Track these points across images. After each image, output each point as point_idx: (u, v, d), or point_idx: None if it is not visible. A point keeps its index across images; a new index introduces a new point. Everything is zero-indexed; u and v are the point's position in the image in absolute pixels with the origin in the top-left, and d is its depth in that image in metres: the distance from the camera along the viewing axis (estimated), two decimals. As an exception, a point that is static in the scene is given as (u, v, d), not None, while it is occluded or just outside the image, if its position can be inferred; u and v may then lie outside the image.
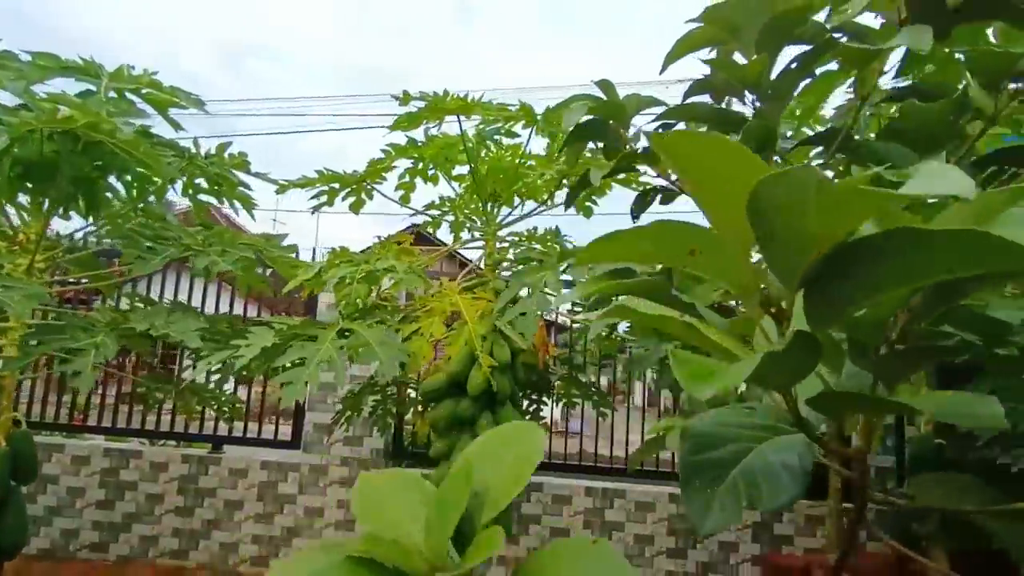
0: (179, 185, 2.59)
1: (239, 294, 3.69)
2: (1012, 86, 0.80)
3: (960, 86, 0.89)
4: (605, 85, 1.22)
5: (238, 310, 4.23)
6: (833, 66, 1.39)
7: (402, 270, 1.88)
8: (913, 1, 0.88)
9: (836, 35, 1.03)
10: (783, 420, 0.63)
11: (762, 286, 0.45)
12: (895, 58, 1.18)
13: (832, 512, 0.99)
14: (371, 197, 2.59)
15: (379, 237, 2.43)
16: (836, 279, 0.39)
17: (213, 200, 2.62)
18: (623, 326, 2.81)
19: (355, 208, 2.59)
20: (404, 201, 2.66)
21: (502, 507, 0.49)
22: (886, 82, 1.29)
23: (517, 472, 0.51)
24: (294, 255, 2.74)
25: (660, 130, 1.24)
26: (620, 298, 0.56)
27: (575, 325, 3.85)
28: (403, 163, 2.58)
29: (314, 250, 4.61)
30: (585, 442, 4.09)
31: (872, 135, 1.37)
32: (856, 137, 1.16)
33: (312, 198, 2.47)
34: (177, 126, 2.37)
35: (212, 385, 2.86)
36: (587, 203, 2.70)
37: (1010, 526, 0.71)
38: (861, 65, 0.94)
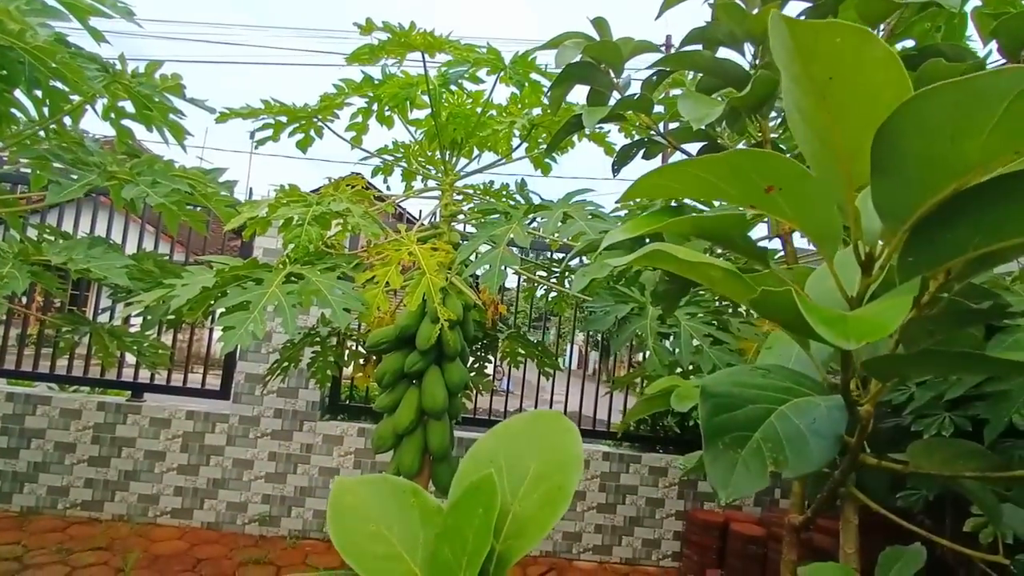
0: (99, 107, 2.32)
1: (168, 232, 3.41)
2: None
3: (972, 51, 0.88)
4: (600, 24, 1.15)
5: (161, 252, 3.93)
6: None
7: (358, 214, 1.77)
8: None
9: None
10: (800, 383, 0.61)
11: (853, 232, 0.41)
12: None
13: (798, 483, 1.01)
14: (321, 136, 2.42)
15: (329, 178, 2.28)
16: (957, 224, 0.35)
17: (139, 126, 2.36)
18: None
19: (303, 146, 2.41)
20: (356, 142, 2.50)
21: (536, 542, 0.38)
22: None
23: (549, 492, 0.39)
24: (230, 193, 2.54)
25: (654, 78, 1.18)
26: (657, 244, 0.50)
27: (524, 283, 3.82)
28: (356, 101, 2.42)
29: (250, 191, 4.32)
30: (515, 401, 4.11)
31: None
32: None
33: (257, 131, 2.27)
34: (100, 37, 2.10)
35: (136, 328, 2.64)
36: (547, 160, 2.64)
37: (983, 487, 0.73)
38: (878, 19, 0.91)
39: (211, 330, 4.27)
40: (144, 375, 3.73)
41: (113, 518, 3.49)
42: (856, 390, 0.67)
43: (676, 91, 1.78)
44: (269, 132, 2.32)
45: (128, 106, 2.30)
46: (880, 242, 0.41)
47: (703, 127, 1.02)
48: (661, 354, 1.70)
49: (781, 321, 0.43)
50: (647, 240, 0.68)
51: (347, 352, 2.90)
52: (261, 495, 3.57)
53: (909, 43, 1.35)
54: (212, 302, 1.95)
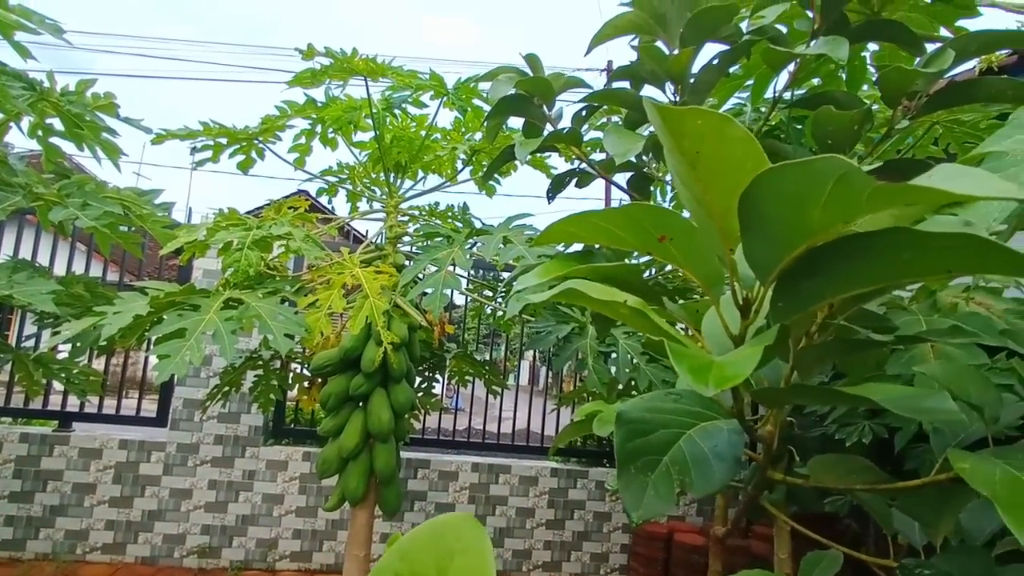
0: (25, 124, 2.23)
1: (99, 254, 3.26)
2: (906, 103, 0.89)
3: (860, 98, 0.97)
4: (532, 60, 1.20)
5: (94, 275, 3.76)
6: (735, 69, 1.48)
7: (300, 237, 1.76)
8: (826, 15, 0.95)
9: (752, 37, 1.09)
10: (708, 407, 0.67)
11: (732, 279, 0.46)
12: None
13: (721, 497, 1.07)
14: (262, 157, 2.39)
15: (270, 200, 2.25)
16: (814, 275, 0.41)
17: (68, 144, 2.28)
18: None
19: (243, 167, 2.38)
20: (299, 164, 2.48)
21: None
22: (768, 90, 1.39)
23: None
24: (167, 214, 2.47)
25: (583, 112, 1.24)
26: (572, 282, 0.55)
27: (471, 301, 3.85)
28: (299, 123, 2.41)
29: (188, 210, 4.20)
30: (467, 418, 4.14)
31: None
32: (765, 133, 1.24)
33: (195, 151, 2.23)
34: (26, 53, 2.04)
35: (64, 355, 2.53)
36: (491, 182, 2.69)
37: (877, 499, 0.80)
38: (777, 67, 0.99)
39: (147, 353, 4.10)
40: (73, 402, 3.55)
41: (36, 557, 3.28)
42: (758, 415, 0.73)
43: (616, 118, 1.87)
44: (208, 153, 2.28)
45: (57, 123, 2.23)
46: (755, 288, 0.46)
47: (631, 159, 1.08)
48: (600, 372, 1.76)
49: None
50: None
51: (291, 375, 2.84)
52: (200, 525, 3.44)
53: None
54: (147, 329, 1.89)
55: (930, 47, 1.00)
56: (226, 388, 2.69)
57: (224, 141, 2.22)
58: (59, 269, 3.68)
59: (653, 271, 1.58)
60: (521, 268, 1.29)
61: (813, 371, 0.63)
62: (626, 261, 0.89)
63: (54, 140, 2.26)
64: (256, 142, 2.29)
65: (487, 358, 4.37)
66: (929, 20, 1.15)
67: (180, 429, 3.47)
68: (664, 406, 0.66)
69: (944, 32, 1.19)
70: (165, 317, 1.68)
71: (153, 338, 1.68)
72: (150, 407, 3.68)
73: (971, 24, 1.18)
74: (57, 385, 3.37)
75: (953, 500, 0.66)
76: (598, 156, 1.77)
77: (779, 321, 0.43)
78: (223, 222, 1.83)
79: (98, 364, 4.31)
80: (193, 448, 3.47)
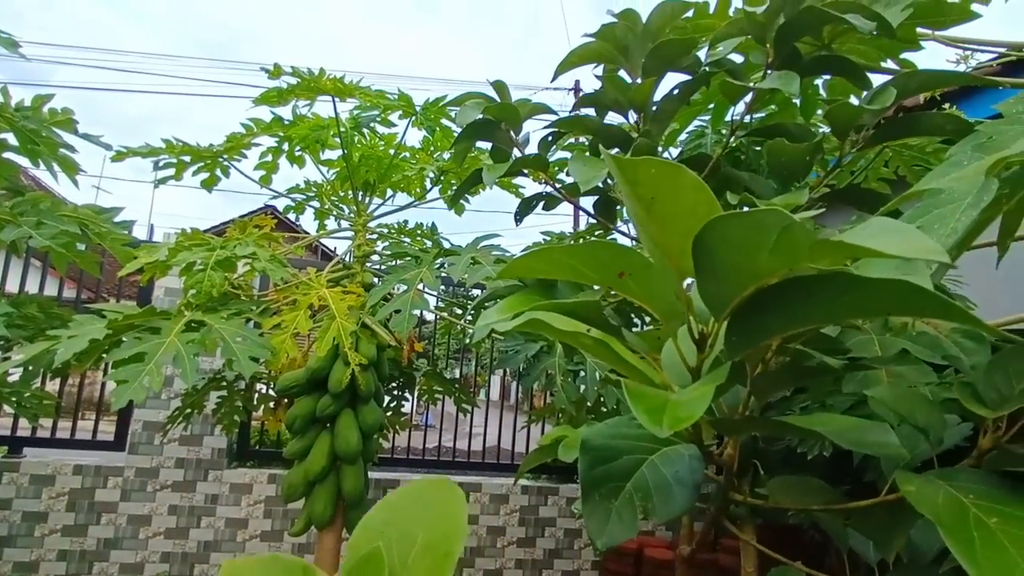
0: (-24, 140, 2.16)
1: (56, 273, 3.15)
2: (854, 136, 0.93)
3: (812, 130, 1.02)
4: (500, 87, 1.22)
5: (50, 292, 3.64)
6: (694, 96, 1.53)
7: (264, 258, 1.74)
8: (778, 49, 0.99)
9: (710, 69, 1.13)
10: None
11: (688, 315, 0.48)
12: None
13: (686, 519, 1.09)
14: (227, 175, 2.36)
15: (235, 219, 2.22)
16: (763, 313, 0.43)
17: (21, 159, 2.21)
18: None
19: (208, 184, 2.34)
20: (264, 181, 2.46)
21: None
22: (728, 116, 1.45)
23: (435, 559, 0.42)
24: (128, 232, 2.41)
25: (549, 138, 1.27)
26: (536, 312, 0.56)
27: (440, 319, 3.84)
28: (265, 140, 2.39)
29: (150, 226, 4.11)
30: (437, 435, 4.10)
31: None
32: (724, 164, 1.29)
33: (158, 169, 2.18)
34: (-21, 69, 1.97)
35: (15, 378, 2.43)
36: (460, 201, 2.70)
37: (832, 518, 0.83)
38: (734, 97, 1.03)
39: (106, 379, 3.96)
40: (24, 426, 3.41)
41: (-18, 591, 3.12)
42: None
43: (584, 138, 1.90)
44: (171, 171, 2.24)
45: (11, 138, 2.16)
46: (710, 323, 0.48)
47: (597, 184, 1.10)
48: (568, 391, 1.77)
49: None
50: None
51: (256, 396, 2.78)
52: (160, 553, 3.32)
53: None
54: (104, 352, 1.84)
55: (880, 77, 1.06)
56: (188, 410, 2.62)
57: (188, 159, 2.19)
58: (12, 286, 3.54)
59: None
60: (490, 290, 1.29)
61: (769, 395, 0.66)
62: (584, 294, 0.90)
63: (8, 155, 2.19)
64: (221, 160, 2.26)
65: (458, 374, 4.35)
66: (877, 52, 1.22)
67: (139, 453, 3.35)
68: (628, 432, 0.67)
69: (891, 64, 1.26)
70: (124, 340, 1.64)
71: (111, 361, 1.64)
72: (108, 430, 3.55)
73: (915, 56, 1.25)
74: (7, 407, 3.24)
75: (902, 518, 0.69)
76: (567, 178, 1.80)
77: (733, 355, 0.45)
78: (185, 242, 1.79)
79: (52, 386, 4.14)
80: (153, 472, 3.35)
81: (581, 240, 2.05)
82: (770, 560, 1.48)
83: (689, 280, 0.44)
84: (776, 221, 0.35)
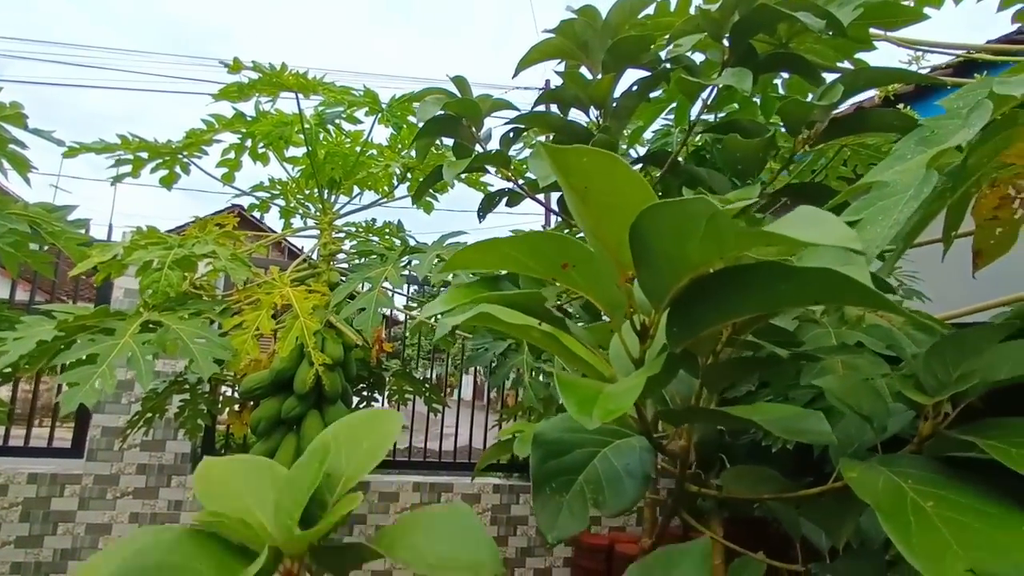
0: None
1: (7, 274, 3.02)
2: (806, 132, 0.95)
3: (766, 126, 1.03)
4: (460, 82, 1.22)
5: (1, 294, 3.51)
6: (657, 93, 1.54)
7: (225, 257, 1.70)
8: (735, 47, 1.00)
9: (670, 66, 1.14)
10: (624, 425, 0.68)
11: (629, 306, 0.48)
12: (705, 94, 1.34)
13: (647, 501, 1.09)
14: (187, 172, 2.30)
15: (196, 217, 2.17)
16: (701, 303, 0.43)
17: (-29, 158, 2.12)
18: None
19: (167, 182, 2.28)
20: (227, 179, 2.40)
21: (354, 482, 0.46)
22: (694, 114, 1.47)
23: (373, 451, 0.51)
24: (84, 231, 2.33)
25: (511, 134, 1.26)
26: (485, 305, 0.55)
27: (410, 319, 3.81)
28: (228, 137, 2.33)
29: (110, 226, 3.98)
30: (405, 435, 4.07)
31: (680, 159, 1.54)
32: (680, 160, 1.30)
33: (112, 167, 2.12)
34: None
35: (-39, 384, 2.33)
36: (428, 198, 2.68)
37: (785, 507, 0.84)
38: (692, 95, 1.04)
39: (61, 381, 3.83)
40: (-26, 435, 3.28)
41: (-70, 606, 2.99)
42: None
43: (547, 136, 1.90)
44: (128, 168, 2.17)
45: (-44, 135, 2.07)
46: (652, 314, 0.48)
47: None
48: (536, 388, 1.77)
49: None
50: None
51: (220, 398, 2.72)
52: (120, 562, 3.22)
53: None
54: (56, 354, 1.77)
55: (834, 75, 1.08)
56: (149, 414, 2.55)
57: (145, 155, 2.13)
58: (-39, 290, 3.40)
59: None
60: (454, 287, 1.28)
61: (721, 386, 0.66)
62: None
63: (-47, 152, 2.10)
64: (180, 156, 2.21)
65: (430, 374, 4.32)
66: (832, 51, 1.24)
67: (98, 460, 3.25)
68: (581, 426, 0.67)
69: (847, 64, 1.28)
70: (77, 341, 1.58)
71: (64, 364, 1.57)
72: (64, 436, 3.43)
73: (869, 56, 1.28)
74: (-44, 416, 3.10)
75: (851, 506, 0.70)
76: (532, 175, 1.80)
77: (676, 345, 0.45)
78: (141, 240, 1.74)
79: (4, 391, 3.99)
80: (112, 479, 3.25)
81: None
82: (737, 553, 1.50)
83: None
84: (703, 209, 0.35)
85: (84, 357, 1.45)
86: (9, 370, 2.02)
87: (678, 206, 0.36)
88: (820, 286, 0.36)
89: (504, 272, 0.85)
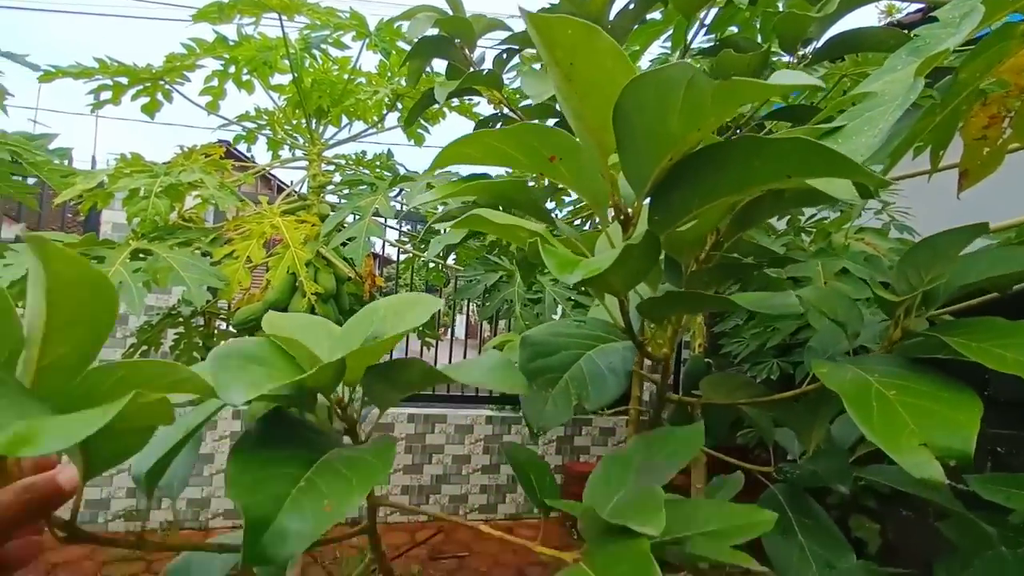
0: None
1: (-12, 206, 2.99)
2: (802, 51, 0.93)
3: (761, 44, 1.01)
4: (453, 0, 1.17)
5: (-14, 227, 3.47)
6: (657, 15, 1.50)
7: (213, 186, 1.68)
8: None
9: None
10: (609, 331, 0.70)
11: (613, 196, 0.48)
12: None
13: (633, 418, 1.13)
14: (170, 99, 2.23)
15: (181, 147, 2.12)
16: (681, 186, 0.44)
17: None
18: (451, 258, 2.84)
19: (149, 110, 2.22)
20: (211, 108, 2.34)
21: (399, 336, 0.53)
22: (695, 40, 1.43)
23: (413, 321, 0.54)
24: (66, 162, 2.29)
25: (504, 55, 1.23)
26: (476, 210, 0.56)
27: (402, 256, 3.81)
28: (211, 64, 2.26)
29: (93, 159, 3.90)
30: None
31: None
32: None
33: (91, 92, 2.06)
34: None
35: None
36: (419, 130, 2.63)
37: (760, 412, 0.88)
38: (690, 14, 1.02)
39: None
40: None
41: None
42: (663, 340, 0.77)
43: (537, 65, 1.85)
44: (108, 95, 2.11)
45: (-75, 60, 2.00)
46: (634, 204, 0.49)
47: (546, 101, 1.09)
48: (526, 318, 1.80)
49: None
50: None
51: (215, 332, 2.75)
52: (126, 488, 3.34)
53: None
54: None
55: None
56: (144, 347, 2.58)
57: (125, 81, 2.06)
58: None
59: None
60: (444, 212, 1.29)
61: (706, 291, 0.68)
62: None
63: (-77, 77, 2.03)
64: (162, 83, 2.14)
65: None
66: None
67: (96, 391, 3.31)
68: (568, 331, 0.69)
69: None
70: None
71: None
72: (62, 370, 3.48)
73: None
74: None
75: (822, 410, 0.74)
76: (529, 103, 1.77)
77: (659, 232, 0.46)
78: (126, 168, 1.72)
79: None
80: (112, 410, 3.33)
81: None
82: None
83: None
84: (682, 74, 0.35)
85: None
86: (1, 300, 2.02)
87: (659, 73, 0.36)
88: (796, 158, 0.37)
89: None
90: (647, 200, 0.46)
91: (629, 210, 0.49)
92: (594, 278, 0.48)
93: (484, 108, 2.57)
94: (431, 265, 3.27)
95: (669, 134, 0.39)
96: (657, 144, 0.40)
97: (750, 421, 0.81)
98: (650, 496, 0.49)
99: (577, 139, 0.46)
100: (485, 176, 0.67)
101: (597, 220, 0.57)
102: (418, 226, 3.80)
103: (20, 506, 0.38)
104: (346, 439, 0.61)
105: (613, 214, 0.49)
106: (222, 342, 2.77)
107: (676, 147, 0.40)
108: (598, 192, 0.48)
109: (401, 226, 3.76)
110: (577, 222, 1.80)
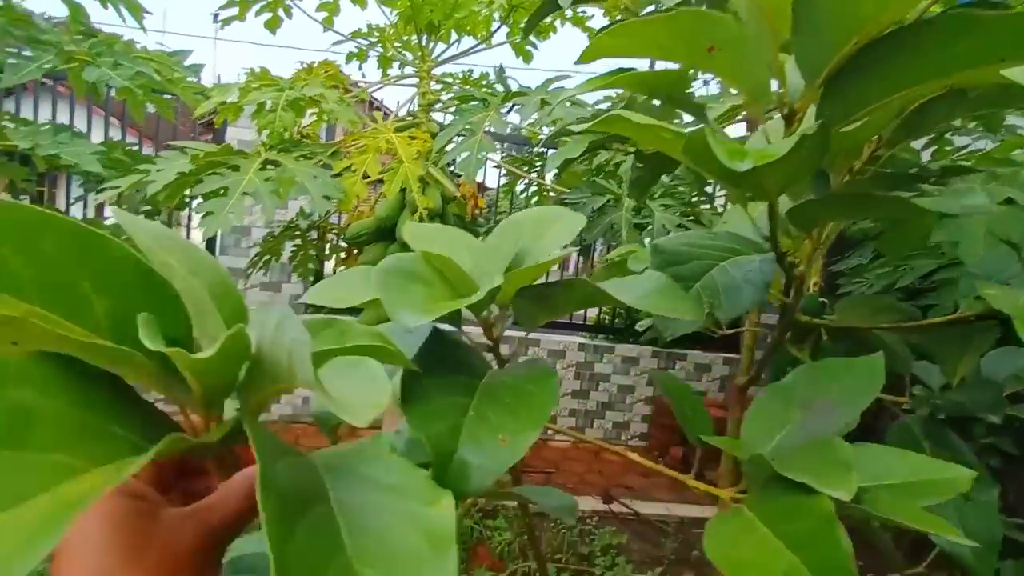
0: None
1: (134, 123, 3.28)
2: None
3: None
4: None
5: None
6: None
7: (333, 100, 1.74)
8: None
9: None
10: (743, 244, 0.68)
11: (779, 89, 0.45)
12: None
13: (748, 343, 1.10)
14: (290, 15, 2.30)
15: (301, 62, 2.20)
16: (863, 75, 0.40)
17: (93, 3, 2.21)
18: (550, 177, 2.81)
19: (271, 26, 2.30)
20: (327, 23, 2.39)
21: (544, 262, 0.49)
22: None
23: (556, 241, 0.51)
24: (197, 79, 2.44)
25: (630, -46, 1.15)
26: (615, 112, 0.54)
27: (502, 180, 3.82)
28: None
29: (218, 78, 4.13)
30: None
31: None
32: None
33: (222, 8, 2.15)
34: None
35: (111, 221, 2.63)
36: (527, 47, 2.56)
37: (898, 339, 0.82)
38: None
39: (187, 228, 4.23)
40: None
41: None
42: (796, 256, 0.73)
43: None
44: (235, 10, 2.20)
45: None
46: (800, 101, 0.45)
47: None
48: (632, 241, 1.77)
49: (707, 168, 0.48)
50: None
51: (328, 246, 2.93)
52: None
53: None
54: (188, 190, 1.94)
55: None
56: (267, 256, 2.80)
57: (250, -3, 2.14)
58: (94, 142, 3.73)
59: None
60: (556, 130, 1.26)
61: (846, 215, 0.63)
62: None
63: (78, -2, 2.20)
64: (283, -1, 2.20)
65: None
66: None
67: (226, 295, 3.66)
68: (701, 242, 0.67)
69: None
70: (205, 178, 1.72)
71: (195, 203, 1.73)
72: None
73: None
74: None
75: (975, 340, 0.68)
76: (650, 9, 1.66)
77: (831, 127, 0.42)
78: (255, 82, 1.81)
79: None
80: (240, 313, 3.68)
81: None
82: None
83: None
84: None
85: (216, 189, 1.58)
86: (149, 207, 2.25)
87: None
88: (1010, 37, 0.32)
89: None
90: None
91: (796, 104, 0.45)
92: (748, 177, 0.46)
93: (597, 21, 2.44)
94: (532, 188, 3.25)
95: (859, 15, 0.35)
96: (843, 26, 0.36)
97: (885, 348, 0.77)
98: (830, 450, 0.44)
99: (743, 27, 0.42)
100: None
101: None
102: (525, 149, 3.77)
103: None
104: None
105: (775, 110, 0.46)
106: (334, 256, 2.96)
107: (864, 30, 0.36)
108: (759, 85, 0.44)
109: (503, 148, 3.75)
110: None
